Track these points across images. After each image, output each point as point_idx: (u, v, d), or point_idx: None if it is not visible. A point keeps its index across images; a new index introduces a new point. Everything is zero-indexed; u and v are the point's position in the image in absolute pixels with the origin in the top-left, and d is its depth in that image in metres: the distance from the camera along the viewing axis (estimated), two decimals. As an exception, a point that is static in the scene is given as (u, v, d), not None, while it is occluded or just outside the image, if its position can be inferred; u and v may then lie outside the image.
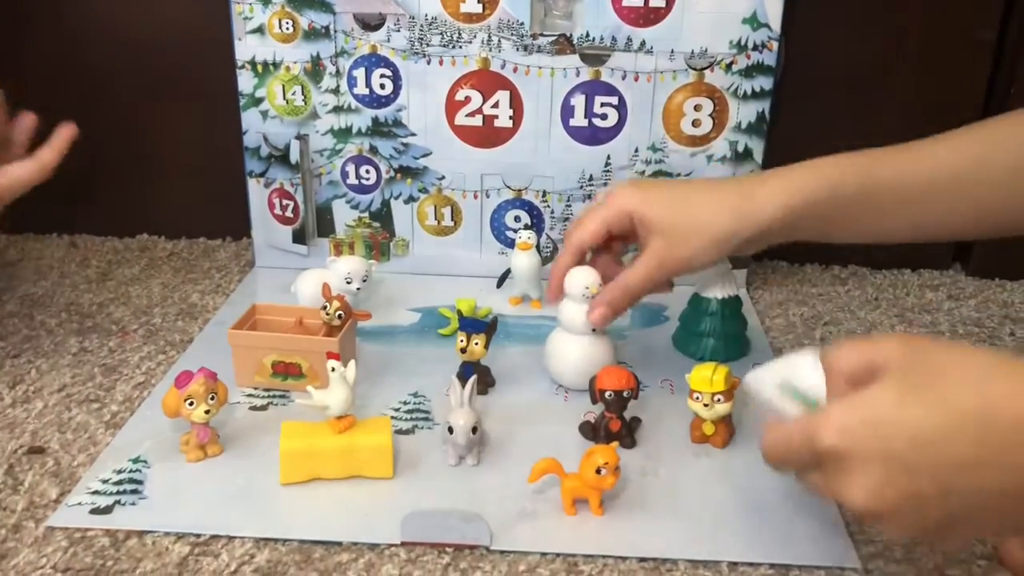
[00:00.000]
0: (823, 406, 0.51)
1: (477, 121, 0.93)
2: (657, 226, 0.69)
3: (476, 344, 0.73)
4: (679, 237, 0.69)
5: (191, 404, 0.65)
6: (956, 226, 0.70)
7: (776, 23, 0.88)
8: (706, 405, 0.67)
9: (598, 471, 0.59)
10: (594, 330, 0.74)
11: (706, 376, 0.67)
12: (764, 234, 0.68)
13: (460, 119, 0.93)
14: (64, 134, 0.80)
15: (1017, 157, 0.64)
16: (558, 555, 0.58)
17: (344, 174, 0.97)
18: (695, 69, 0.90)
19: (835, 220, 0.68)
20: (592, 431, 0.70)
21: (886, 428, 0.44)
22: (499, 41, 0.90)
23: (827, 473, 0.47)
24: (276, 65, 0.93)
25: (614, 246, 0.76)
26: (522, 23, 0.89)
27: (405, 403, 0.75)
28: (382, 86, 0.93)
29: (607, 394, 0.67)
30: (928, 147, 0.67)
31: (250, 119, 0.96)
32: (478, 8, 0.89)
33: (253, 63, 0.93)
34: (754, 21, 0.88)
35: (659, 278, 0.70)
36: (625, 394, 0.67)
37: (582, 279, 0.73)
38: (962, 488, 0.44)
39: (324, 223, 0.99)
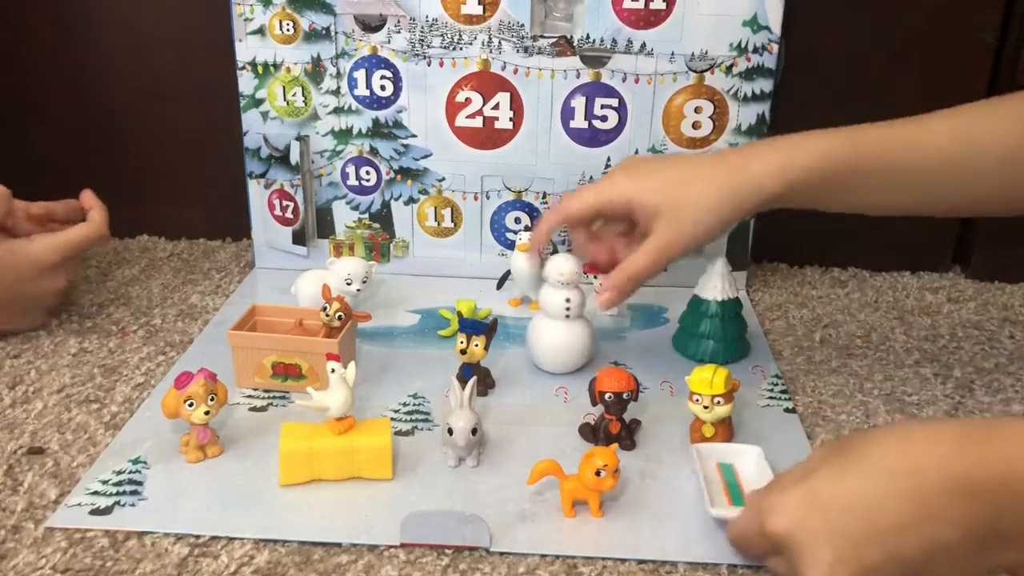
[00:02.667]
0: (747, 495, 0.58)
1: (477, 123, 0.93)
2: (658, 211, 0.69)
3: (476, 346, 0.73)
4: (681, 219, 0.69)
5: (191, 405, 0.65)
6: (950, 205, 0.72)
7: (776, 25, 0.88)
8: (706, 407, 0.67)
9: (598, 473, 0.59)
10: (568, 316, 0.77)
11: (706, 378, 0.67)
12: (762, 206, 0.69)
13: (460, 121, 0.93)
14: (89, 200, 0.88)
15: (1012, 143, 0.65)
16: (557, 557, 0.58)
17: (344, 175, 0.97)
18: (695, 71, 0.90)
19: (830, 192, 0.70)
20: (592, 433, 0.70)
21: (824, 503, 0.47)
22: (499, 43, 0.90)
23: (786, 559, 0.49)
24: (277, 66, 0.93)
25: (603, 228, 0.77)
26: (522, 25, 0.89)
27: (405, 404, 0.75)
28: (382, 87, 0.93)
29: (607, 396, 0.67)
30: (924, 125, 0.67)
31: (250, 120, 0.96)
32: (479, 10, 0.89)
33: (254, 64, 0.93)
34: (754, 23, 0.88)
35: (665, 262, 0.71)
36: (625, 396, 0.67)
37: (558, 266, 0.77)
38: (909, 550, 0.45)
39: (324, 224, 0.99)
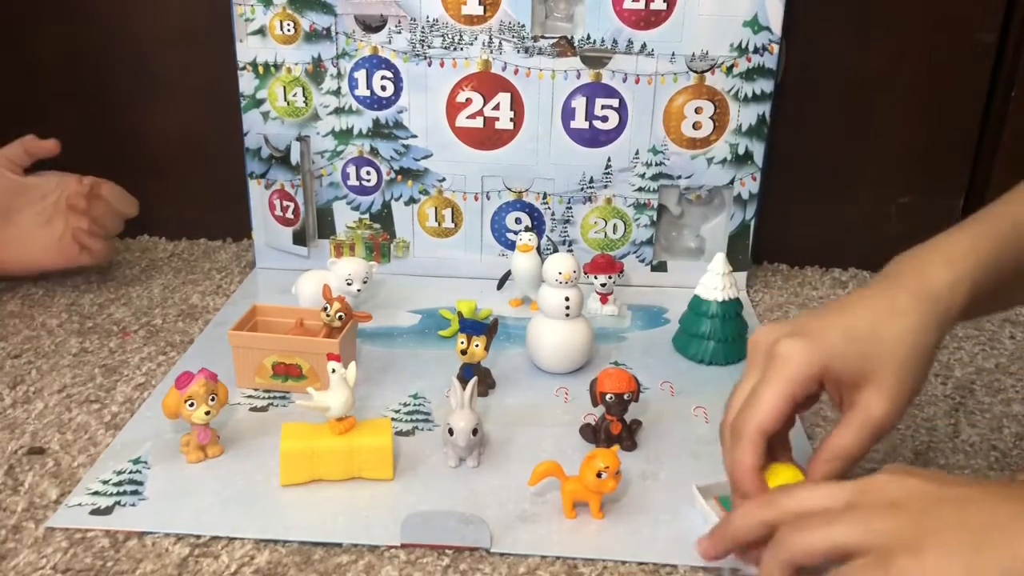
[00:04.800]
0: None
1: (478, 123, 0.93)
2: (862, 375, 0.53)
3: (477, 346, 0.73)
4: (895, 379, 0.53)
5: (191, 405, 0.65)
6: None
7: (777, 26, 0.88)
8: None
9: (599, 474, 0.59)
10: (567, 315, 0.77)
11: (786, 473, 0.56)
12: (950, 329, 0.56)
13: (461, 121, 0.93)
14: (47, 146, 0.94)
15: None
16: (558, 558, 0.58)
17: (345, 175, 0.97)
18: (696, 72, 0.90)
19: (999, 295, 0.58)
20: (593, 434, 0.70)
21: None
22: (500, 43, 0.90)
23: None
24: (277, 66, 0.93)
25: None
26: (523, 25, 0.89)
27: (405, 405, 0.75)
28: (383, 88, 0.93)
29: (608, 397, 0.67)
30: None
31: (251, 120, 0.96)
32: (479, 10, 0.89)
33: (254, 64, 0.93)
34: (755, 24, 0.88)
35: (883, 435, 0.54)
36: (626, 397, 0.67)
37: (557, 265, 0.76)
38: None
39: (325, 224, 0.99)
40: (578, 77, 0.91)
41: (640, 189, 0.95)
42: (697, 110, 0.92)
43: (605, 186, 0.95)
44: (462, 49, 0.91)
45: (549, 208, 0.97)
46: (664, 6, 0.87)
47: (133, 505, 0.62)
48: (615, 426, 0.68)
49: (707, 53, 0.89)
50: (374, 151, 0.96)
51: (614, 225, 0.97)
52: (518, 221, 0.97)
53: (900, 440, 0.72)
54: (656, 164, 0.94)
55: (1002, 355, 0.86)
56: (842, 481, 0.50)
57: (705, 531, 0.55)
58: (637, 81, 0.91)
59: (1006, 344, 0.88)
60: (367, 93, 0.93)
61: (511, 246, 0.97)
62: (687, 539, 0.60)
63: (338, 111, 0.94)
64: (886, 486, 0.47)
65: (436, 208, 0.98)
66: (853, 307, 0.56)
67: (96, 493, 0.63)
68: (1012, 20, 0.94)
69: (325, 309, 0.76)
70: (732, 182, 0.94)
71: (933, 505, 0.45)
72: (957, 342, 0.88)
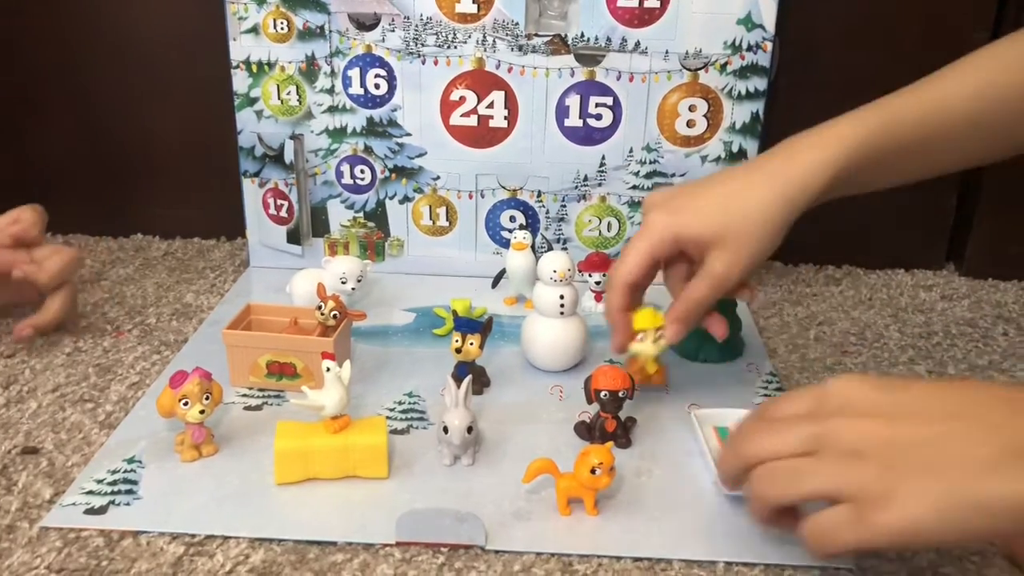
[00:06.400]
0: None
1: (472, 121, 0.93)
2: (706, 240, 0.66)
3: (471, 344, 0.73)
4: (735, 244, 0.65)
5: (186, 404, 0.65)
6: (988, 154, 0.70)
7: (770, 24, 0.88)
8: (654, 341, 0.69)
9: (593, 471, 0.59)
10: (562, 313, 0.77)
11: (646, 314, 0.69)
12: (809, 205, 0.66)
13: (455, 119, 0.93)
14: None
15: None
16: (553, 555, 0.58)
17: (339, 174, 0.97)
18: (689, 70, 0.90)
19: (870, 175, 0.67)
20: (587, 431, 0.70)
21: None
22: (494, 41, 0.90)
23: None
24: (271, 65, 0.93)
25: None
26: (517, 23, 0.89)
27: (400, 403, 0.75)
28: (377, 86, 0.93)
29: (602, 394, 0.67)
30: (947, 85, 0.66)
31: (245, 119, 0.95)
32: (473, 8, 0.89)
33: (248, 63, 0.93)
34: (748, 22, 0.88)
35: (725, 286, 0.67)
36: (621, 394, 0.67)
37: (551, 263, 0.77)
38: None
39: (319, 223, 0.99)
40: (572, 75, 0.91)
41: (634, 187, 0.95)
42: (691, 108, 0.92)
43: (599, 184, 0.95)
44: (456, 47, 0.90)
45: (543, 206, 0.97)
46: (658, 4, 0.87)
47: (128, 504, 0.62)
48: (610, 423, 0.68)
49: (701, 51, 0.90)
50: (368, 149, 0.96)
51: (608, 223, 0.97)
52: (512, 219, 0.98)
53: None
54: (650, 162, 0.94)
55: (995, 352, 0.86)
56: (797, 417, 0.52)
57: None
58: (631, 79, 0.91)
59: (999, 341, 0.89)
60: (361, 91, 0.93)
61: (506, 244, 0.97)
62: (682, 535, 0.60)
63: (332, 109, 0.94)
64: (842, 433, 0.49)
65: (430, 206, 0.98)
66: (714, 186, 0.68)
67: (90, 492, 0.63)
68: (1004, 18, 0.94)
69: (319, 308, 0.76)
70: (726, 180, 0.95)
71: (897, 454, 0.47)
72: (951, 339, 0.89)
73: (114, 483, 0.64)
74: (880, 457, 0.47)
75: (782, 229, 0.65)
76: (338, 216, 0.99)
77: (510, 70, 0.91)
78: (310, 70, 0.93)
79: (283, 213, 0.98)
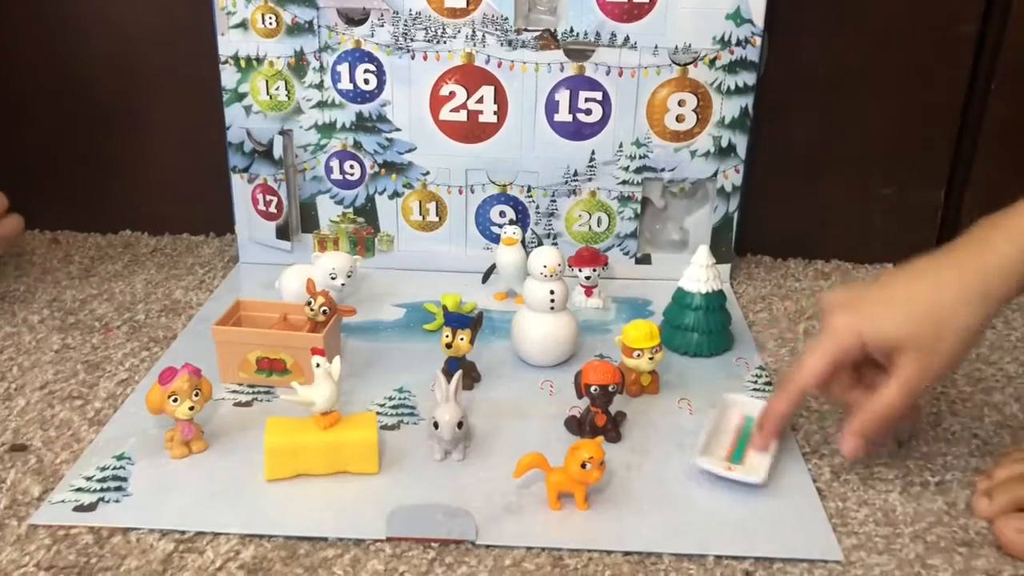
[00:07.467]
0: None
1: (461, 116, 0.93)
2: (899, 344, 0.59)
3: (462, 340, 0.73)
4: (930, 346, 0.59)
5: (175, 401, 0.64)
6: None
7: (759, 19, 0.88)
8: (651, 358, 0.73)
9: (583, 465, 0.59)
10: (552, 309, 0.78)
11: (643, 333, 0.73)
12: (1007, 303, 0.59)
13: (444, 114, 0.93)
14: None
15: None
16: (543, 549, 0.58)
17: (328, 169, 0.97)
18: (679, 64, 0.90)
19: None
20: (578, 426, 0.70)
21: None
22: (483, 36, 0.90)
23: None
24: (259, 60, 0.93)
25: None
26: (506, 18, 0.89)
27: (390, 399, 0.75)
28: (366, 81, 0.93)
29: (592, 389, 0.67)
30: None
31: (233, 114, 0.95)
32: (462, 3, 0.89)
33: (236, 58, 0.93)
34: (737, 17, 0.88)
35: (917, 395, 0.61)
36: (611, 389, 0.68)
37: (541, 258, 0.77)
38: None
39: (308, 219, 0.99)
40: (561, 70, 0.91)
41: (624, 182, 0.95)
42: (680, 103, 0.92)
43: (589, 179, 0.95)
44: (445, 42, 0.90)
45: (533, 201, 0.97)
46: (647, -1, 0.88)
47: (117, 501, 0.62)
48: (600, 418, 0.68)
49: (690, 46, 0.90)
50: (357, 145, 0.95)
51: (598, 218, 0.97)
52: (502, 214, 0.97)
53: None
54: (640, 157, 0.94)
55: (982, 345, 0.87)
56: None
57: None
58: (620, 74, 0.91)
59: (987, 334, 0.89)
60: (350, 87, 0.93)
61: (496, 239, 0.97)
62: (672, 529, 0.60)
63: (321, 105, 0.94)
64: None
65: (420, 202, 0.97)
66: (901, 282, 0.62)
67: (79, 490, 0.63)
68: (992, 12, 0.95)
69: (309, 303, 0.76)
70: (715, 175, 0.95)
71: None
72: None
73: (103, 480, 0.64)
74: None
75: (981, 328, 0.59)
76: (327, 212, 0.99)
77: (500, 65, 0.91)
78: (299, 65, 0.93)
79: (272, 209, 0.98)
